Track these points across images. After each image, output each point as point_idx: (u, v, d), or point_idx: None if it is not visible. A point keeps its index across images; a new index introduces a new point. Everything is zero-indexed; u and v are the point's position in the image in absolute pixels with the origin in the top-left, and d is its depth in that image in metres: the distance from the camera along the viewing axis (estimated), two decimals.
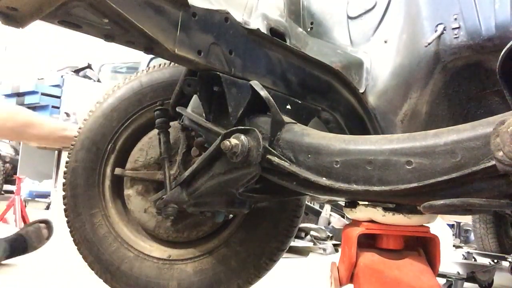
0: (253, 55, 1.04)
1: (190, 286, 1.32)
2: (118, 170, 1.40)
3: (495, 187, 0.69)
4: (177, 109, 1.21)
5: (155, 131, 1.35)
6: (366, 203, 1.09)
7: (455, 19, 1.07)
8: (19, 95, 6.01)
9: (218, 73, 0.98)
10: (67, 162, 1.42)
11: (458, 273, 2.39)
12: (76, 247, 1.41)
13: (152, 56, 1.39)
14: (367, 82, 1.21)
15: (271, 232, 1.32)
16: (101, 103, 1.43)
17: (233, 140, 0.92)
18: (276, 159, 0.92)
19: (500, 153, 0.62)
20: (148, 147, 1.39)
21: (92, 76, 6.62)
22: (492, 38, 1.02)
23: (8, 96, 6.13)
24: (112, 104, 1.41)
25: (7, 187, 6.77)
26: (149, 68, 1.44)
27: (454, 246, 5.57)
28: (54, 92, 5.97)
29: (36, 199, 6.16)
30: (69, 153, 1.42)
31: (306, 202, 5.45)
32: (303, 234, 4.42)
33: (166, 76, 1.38)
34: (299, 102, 1.14)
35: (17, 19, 0.78)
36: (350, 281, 1.09)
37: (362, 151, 0.83)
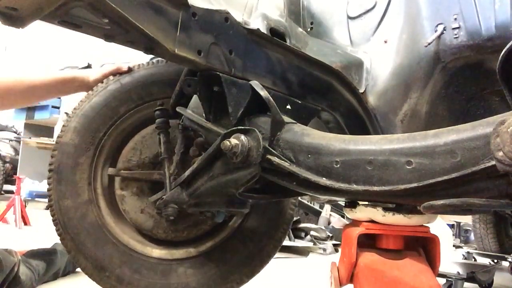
0: (253, 55, 1.04)
1: None
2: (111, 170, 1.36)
3: (495, 187, 0.69)
4: (177, 109, 1.21)
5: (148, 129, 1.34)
6: (366, 203, 1.09)
7: (455, 19, 1.07)
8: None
9: (218, 73, 0.98)
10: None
11: (458, 273, 2.39)
12: None
13: None
14: (367, 82, 1.20)
15: None
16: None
17: (233, 140, 0.92)
18: (276, 159, 0.92)
19: (500, 153, 0.62)
20: (141, 146, 1.36)
21: None
22: (492, 38, 1.02)
23: None
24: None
25: (7, 187, 6.78)
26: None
27: (454, 246, 5.57)
28: None
29: (36, 199, 6.17)
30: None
31: (306, 202, 5.44)
32: (303, 234, 4.42)
33: None
34: (299, 102, 1.14)
35: (17, 19, 0.78)
36: (350, 281, 1.09)
37: (362, 151, 0.83)
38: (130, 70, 1.34)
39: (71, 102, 5.78)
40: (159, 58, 1.33)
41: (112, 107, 1.31)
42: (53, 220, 1.28)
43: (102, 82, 1.34)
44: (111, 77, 1.34)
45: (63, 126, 1.31)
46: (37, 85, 1.46)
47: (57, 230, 1.28)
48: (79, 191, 1.28)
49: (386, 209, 1.05)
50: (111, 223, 1.32)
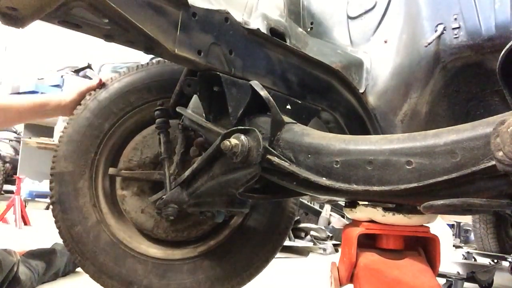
0: (253, 55, 1.04)
1: None
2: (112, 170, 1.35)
3: (495, 187, 0.69)
4: (177, 109, 1.21)
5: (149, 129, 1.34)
6: (366, 203, 1.09)
7: (455, 19, 1.07)
8: (19, 95, 6.01)
9: (218, 73, 0.98)
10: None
11: (458, 273, 2.39)
12: None
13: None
14: (367, 82, 1.21)
15: None
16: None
17: (233, 140, 0.92)
18: (276, 159, 0.92)
19: (500, 153, 0.62)
20: (142, 146, 1.35)
21: (92, 76, 6.62)
22: (492, 38, 1.02)
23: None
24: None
25: (7, 187, 6.78)
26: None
27: (454, 246, 5.57)
28: (54, 92, 5.98)
29: (36, 199, 6.18)
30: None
31: (306, 202, 5.42)
32: (303, 234, 4.42)
33: None
34: (299, 102, 1.14)
35: (17, 19, 0.78)
36: (350, 281, 1.09)
37: (362, 151, 0.83)
38: (102, 84, 1.33)
39: None
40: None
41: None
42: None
43: (80, 104, 1.32)
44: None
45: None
46: (7, 109, 1.42)
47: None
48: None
49: (386, 209, 1.05)
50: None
